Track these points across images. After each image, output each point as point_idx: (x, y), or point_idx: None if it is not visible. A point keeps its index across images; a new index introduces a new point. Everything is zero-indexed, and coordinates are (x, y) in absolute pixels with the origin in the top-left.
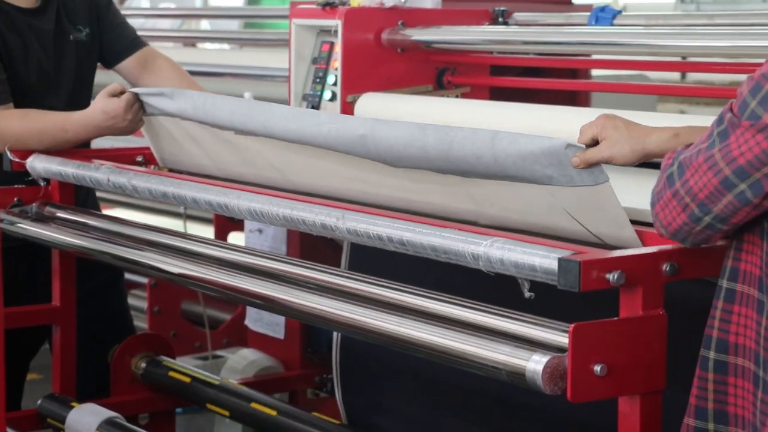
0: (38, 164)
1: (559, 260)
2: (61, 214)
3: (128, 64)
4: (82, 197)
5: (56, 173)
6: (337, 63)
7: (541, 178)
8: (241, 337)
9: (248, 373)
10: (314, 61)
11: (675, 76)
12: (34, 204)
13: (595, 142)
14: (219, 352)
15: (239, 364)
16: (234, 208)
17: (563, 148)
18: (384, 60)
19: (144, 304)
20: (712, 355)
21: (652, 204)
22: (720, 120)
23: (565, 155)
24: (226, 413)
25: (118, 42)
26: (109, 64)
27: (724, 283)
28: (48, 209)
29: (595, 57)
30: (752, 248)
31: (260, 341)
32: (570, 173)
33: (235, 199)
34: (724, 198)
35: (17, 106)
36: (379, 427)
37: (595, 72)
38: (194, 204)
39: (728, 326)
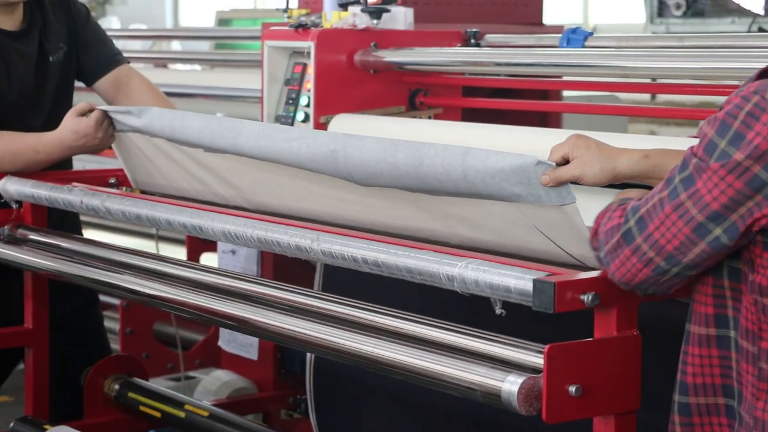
0: (11, 186)
1: (534, 281)
2: (33, 236)
3: (103, 83)
4: (59, 218)
5: (29, 195)
6: (309, 84)
7: (509, 196)
8: (213, 358)
9: (222, 394)
10: (287, 82)
11: (645, 97)
12: (6, 226)
13: (565, 161)
14: (192, 373)
15: (213, 385)
16: (208, 230)
17: (533, 165)
18: (357, 81)
19: (116, 326)
20: (676, 398)
21: (606, 263)
22: (683, 166)
23: (534, 173)
24: None
25: (93, 60)
26: (87, 83)
27: (685, 326)
28: (20, 231)
29: (566, 78)
30: (702, 288)
31: (234, 362)
32: (537, 192)
33: (209, 221)
34: (695, 247)
35: None
36: None
37: (566, 93)
38: (168, 226)
39: (686, 368)
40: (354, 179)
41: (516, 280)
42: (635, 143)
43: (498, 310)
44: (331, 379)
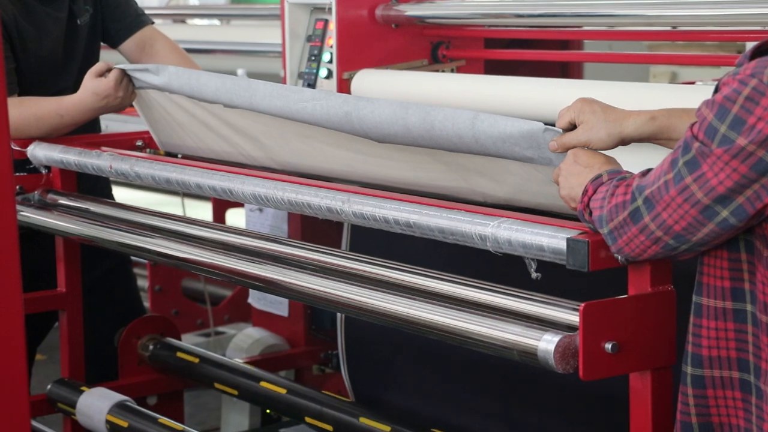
0: (39, 152)
1: (568, 240)
2: (63, 201)
3: (128, 45)
4: (91, 180)
5: (58, 161)
6: (332, 40)
7: (522, 158)
8: (242, 312)
9: (254, 351)
10: (309, 38)
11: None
12: (36, 191)
13: (572, 126)
14: (221, 329)
15: (244, 342)
16: (238, 192)
17: (541, 132)
18: (379, 36)
19: (145, 283)
20: (689, 370)
21: (612, 239)
22: (686, 148)
23: (543, 139)
24: (235, 392)
25: (118, 22)
26: (113, 45)
27: (693, 297)
28: (50, 196)
29: (588, 28)
30: (714, 261)
31: (264, 319)
32: (549, 156)
33: (239, 184)
34: (704, 227)
35: (28, 91)
36: (387, 401)
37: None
38: (198, 189)
39: (699, 340)
40: (370, 137)
41: (549, 239)
42: (656, 93)
43: (534, 274)
44: (363, 333)
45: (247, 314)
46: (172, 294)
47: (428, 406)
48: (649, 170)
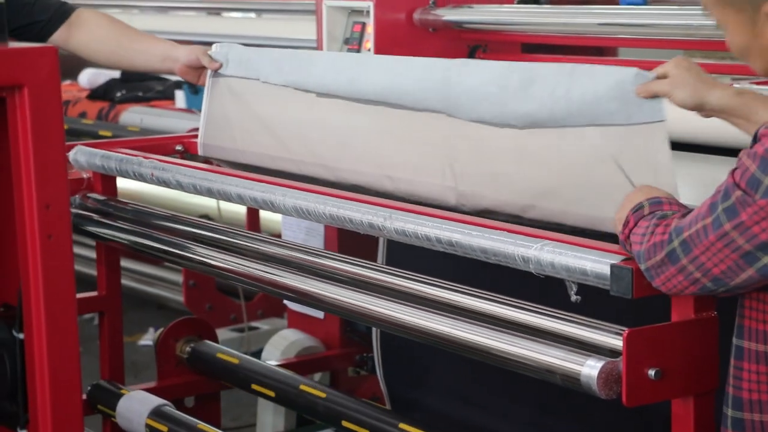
0: (81, 157)
1: (612, 267)
2: (103, 206)
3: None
4: None
5: (99, 167)
6: (369, 43)
7: (602, 115)
8: (275, 308)
9: (290, 353)
10: (346, 41)
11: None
12: (77, 195)
13: (664, 78)
14: (254, 324)
15: (281, 344)
16: (280, 205)
17: (632, 76)
18: (416, 40)
19: (180, 278)
20: (729, 412)
21: (650, 276)
22: (726, 195)
23: (632, 84)
24: (272, 394)
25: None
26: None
27: (734, 340)
28: (91, 200)
29: (622, 36)
30: (756, 304)
31: (300, 321)
32: (630, 109)
33: (280, 196)
34: (743, 273)
35: None
36: (423, 404)
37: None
38: (239, 200)
39: (740, 383)
40: (458, 104)
41: (593, 264)
42: None
43: (573, 297)
44: (398, 336)
45: (280, 309)
46: (206, 289)
47: (464, 409)
48: (689, 211)
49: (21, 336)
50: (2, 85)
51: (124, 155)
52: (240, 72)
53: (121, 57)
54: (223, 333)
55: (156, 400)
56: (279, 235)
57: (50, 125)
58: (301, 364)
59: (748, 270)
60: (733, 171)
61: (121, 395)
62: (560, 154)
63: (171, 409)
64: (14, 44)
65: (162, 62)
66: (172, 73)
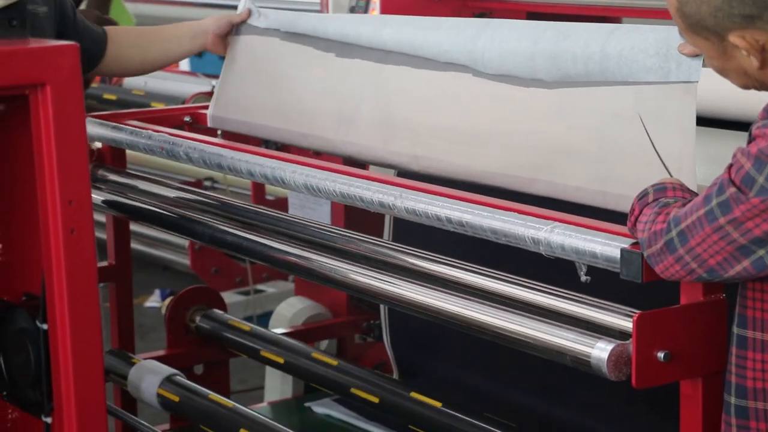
0: (91, 129)
1: (622, 251)
2: (113, 177)
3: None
4: None
5: (109, 139)
6: (375, 11)
7: (638, 71)
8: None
9: (297, 321)
10: (352, 9)
11: None
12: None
13: None
14: (260, 287)
15: (288, 312)
16: (290, 182)
17: (677, 32)
18: (422, 7)
19: (186, 242)
20: (732, 400)
21: (651, 264)
22: (720, 189)
23: (675, 41)
24: (281, 360)
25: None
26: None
27: (735, 329)
28: (101, 172)
29: (628, 5)
30: (759, 295)
31: (307, 289)
32: (669, 66)
33: (291, 173)
34: (738, 264)
35: None
36: (429, 371)
37: None
38: (249, 176)
39: (744, 372)
40: (484, 59)
41: (603, 247)
42: None
43: (583, 278)
44: None
45: (286, 273)
46: (212, 252)
47: (471, 376)
48: (690, 199)
49: (45, 327)
50: (25, 84)
51: (134, 128)
52: (270, 23)
53: (155, 53)
54: (228, 296)
55: (167, 370)
56: (285, 198)
57: (72, 122)
58: (308, 332)
59: (744, 262)
60: (729, 166)
61: (132, 364)
62: (586, 112)
63: (182, 379)
64: (36, 43)
65: (192, 40)
66: (205, 49)
